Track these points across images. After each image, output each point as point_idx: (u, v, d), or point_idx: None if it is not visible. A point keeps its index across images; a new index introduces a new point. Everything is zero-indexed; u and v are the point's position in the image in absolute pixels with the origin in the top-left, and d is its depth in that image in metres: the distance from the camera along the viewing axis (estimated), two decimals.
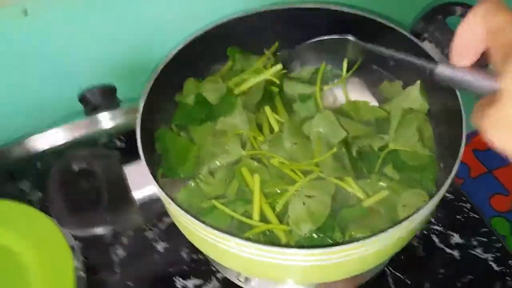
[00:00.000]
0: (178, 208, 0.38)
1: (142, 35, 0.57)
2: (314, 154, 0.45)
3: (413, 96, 0.48)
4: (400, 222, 0.37)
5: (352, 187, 0.43)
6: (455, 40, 0.31)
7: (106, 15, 0.53)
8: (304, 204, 0.41)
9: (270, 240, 0.42)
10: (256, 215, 0.42)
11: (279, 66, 0.49)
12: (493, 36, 0.28)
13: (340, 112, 0.47)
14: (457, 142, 0.41)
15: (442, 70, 0.34)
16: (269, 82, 0.49)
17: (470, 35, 0.30)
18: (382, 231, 0.36)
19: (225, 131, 0.47)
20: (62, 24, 0.51)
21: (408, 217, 0.37)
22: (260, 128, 0.48)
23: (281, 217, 0.43)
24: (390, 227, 0.36)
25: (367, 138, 0.46)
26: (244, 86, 0.49)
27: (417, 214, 0.37)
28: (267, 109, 0.47)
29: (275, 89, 0.50)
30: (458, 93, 0.44)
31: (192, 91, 0.50)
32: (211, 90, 0.49)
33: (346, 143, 0.46)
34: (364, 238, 0.35)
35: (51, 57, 0.54)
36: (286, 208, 0.42)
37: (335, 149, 0.44)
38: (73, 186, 0.57)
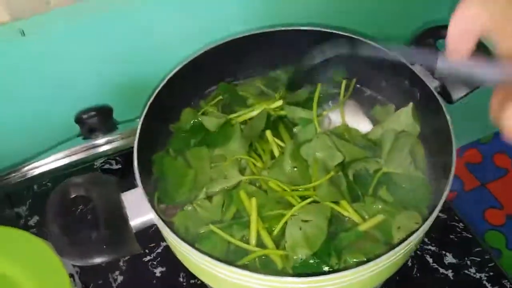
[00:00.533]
0: (176, 237, 0.38)
1: (138, 57, 0.57)
2: (312, 178, 0.46)
3: (405, 119, 0.49)
4: (394, 247, 0.37)
5: (348, 211, 0.44)
6: (450, 30, 0.29)
7: (103, 37, 0.53)
8: (300, 229, 0.42)
9: (267, 264, 0.42)
10: (253, 240, 0.43)
11: (278, 102, 0.50)
12: (500, 25, 0.27)
13: (336, 135, 0.48)
14: (448, 164, 0.42)
15: (443, 64, 0.31)
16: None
17: (467, 22, 0.28)
18: (377, 256, 0.37)
19: (223, 156, 0.48)
20: (59, 45, 0.52)
21: (403, 241, 0.38)
22: (260, 155, 0.49)
23: (278, 242, 0.43)
24: (385, 252, 0.37)
25: (363, 161, 0.47)
26: (244, 117, 0.50)
27: (411, 236, 0.38)
28: (268, 133, 0.48)
29: (276, 114, 0.51)
30: (446, 114, 0.45)
31: (189, 120, 0.50)
32: (210, 118, 0.50)
33: (342, 166, 0.47)
34: (359, 264, 0.36)
35: (48, 78, 0.55)
36: (283, 232, 0.43)
37: (332, 173, 0.45)
38: (70, 214, 0.58)
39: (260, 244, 0.43)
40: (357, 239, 0.42)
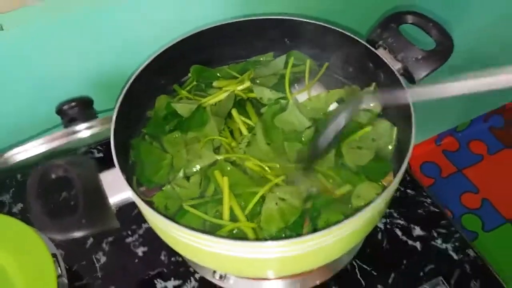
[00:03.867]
0: (150, 209, 0.40)
1: (117, 49, 0.59)
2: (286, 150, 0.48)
3: (367, 97, 0.51)
4: (353, 213, 0.40)
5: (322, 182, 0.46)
6: None
7: (82, 30, 0.55)
8: (276, 204, 0.45)
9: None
10: (226, 215, 0.45)
11: (247, 83, 0.53)
12: None
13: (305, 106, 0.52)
14: (408, 141, 0.45)
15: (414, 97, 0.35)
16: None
17: None
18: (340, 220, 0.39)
19: (197, 139, 0.50)
20: (38, 39, 0.53)
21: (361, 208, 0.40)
22: (233, 135, 0.51)
23: (253, 217, 0.45)
24: (347, 217, 0.39)
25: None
26: (214, 100, 0.53)
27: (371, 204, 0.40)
28: (234, 112, 0.51)
29: (245, 96, 0.54)
30: (408, 95, 0.47)
31: (163, 106, 0.53)
32: (182, 104, 0.52)
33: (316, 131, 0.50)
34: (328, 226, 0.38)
35: (28, 71, 0.56)
36: (258, 209, 0.45)
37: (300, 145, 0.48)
38: (51, 193, 0.59)
39: (234, 220, 0.45)
40: (328, 204, 0.45)
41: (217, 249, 0.40)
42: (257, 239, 0.43)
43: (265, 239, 0.42)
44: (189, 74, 0.57)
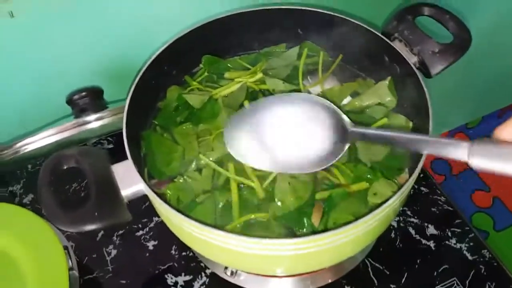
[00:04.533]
0: (163, 203, 0.40)
1: (127, 38, 0.59)
2: None
3: (383, 92, 0.50)
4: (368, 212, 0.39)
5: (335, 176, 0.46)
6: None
7: (93, 19, 0.55)
8: (289, 184, 0.44)
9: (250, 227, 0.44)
10: (235, 206, 0.44)
11: (259, 75, 0.52)
12: None
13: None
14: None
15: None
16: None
17: None
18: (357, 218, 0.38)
19: (208, 131, 0.50)
20: (48, 27, 0.53)
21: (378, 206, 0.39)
22: None
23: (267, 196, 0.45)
24: (362, 216, 0.38)
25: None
26: (226, 91, 0.52)
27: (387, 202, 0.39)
28: (246, 103, 0.50)
29: (257, 87, 0.53)
30: (425, 87, 0.46)
31: (174, 98, 0.52)
32: (194, 95, 0.51)
33: None
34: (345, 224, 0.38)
35: (38, 60, 0.56)
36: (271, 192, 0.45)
37: None
38: (62, 184, 0.59)
39: (246, 205, 0.44)
40: (344, 198, 0.44)
41: (229, 245, 0.39)
42: (268, 236, 0.42)
43: (278, 237, 0.41)
44: (201, 65, 0.56)
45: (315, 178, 0.45)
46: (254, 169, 0.45)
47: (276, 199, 0.44)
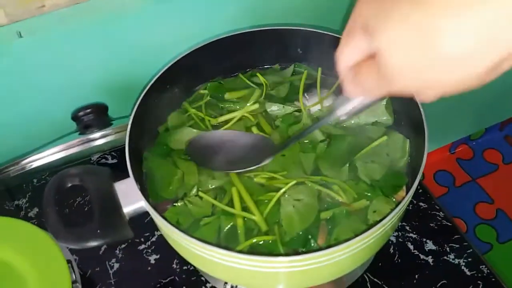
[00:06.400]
0: (165, 222, 0.41)
1: (132, 57, 0.60)
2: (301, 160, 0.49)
3: (379, 111, 0.52)
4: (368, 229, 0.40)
5: (338, 194, 0.47)
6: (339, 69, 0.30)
7: (99, 38, 0.56)
8: (293, 206, 0.45)
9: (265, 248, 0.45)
10: (240, 227, 0.45)
11: (255, 106, 0.54)
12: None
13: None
14: (420, 154, 0.45)
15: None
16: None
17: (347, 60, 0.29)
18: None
19: None
20: (55, 46, 0.54)
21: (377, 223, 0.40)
22: None
23: (270, 223, 0.46)
24: (360, 233, 0.39)
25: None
26: (224, 118, 0.54)
27: (385, 219, 0.40)
28: (254, 130, 0.52)
29: (258, 110, 0.54)
30: (421, 108, 0.47)
31: (175, 124, 0.54)
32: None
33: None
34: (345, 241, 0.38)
35: (44, 78, 0.57)
36: (275, 214, 0.46)
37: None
38: (66, 202, 0.60)
39: (249, 228, 0.45)
40: (347, 216, 0.45)
41: (230, 262, 0.40)
42: (271, 254, 0.44)
43: (287, 254, 0.42)
44: (205, 90, 0.57)
45: (319, 198, 0.46)
46: (252, 196, 0.47)
47: (283, 225, 0.45)
